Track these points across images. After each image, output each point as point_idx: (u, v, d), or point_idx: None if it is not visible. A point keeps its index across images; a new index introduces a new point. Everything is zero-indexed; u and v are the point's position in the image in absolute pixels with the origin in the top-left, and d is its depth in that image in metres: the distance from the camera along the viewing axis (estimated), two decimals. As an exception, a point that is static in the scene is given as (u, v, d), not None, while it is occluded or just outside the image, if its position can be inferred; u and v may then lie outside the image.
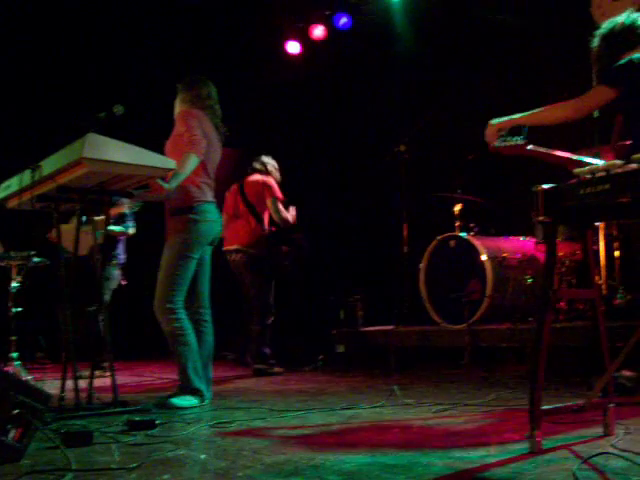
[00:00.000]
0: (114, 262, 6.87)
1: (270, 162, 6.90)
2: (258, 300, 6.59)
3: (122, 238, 6.94)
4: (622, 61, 3.37)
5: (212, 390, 4.61)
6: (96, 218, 4.52)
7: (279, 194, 6.64)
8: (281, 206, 6.63)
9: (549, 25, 6.95)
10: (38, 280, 6.45)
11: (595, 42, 3.51)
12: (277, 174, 6.90)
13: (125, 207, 6.70)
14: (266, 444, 3.11)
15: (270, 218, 6.74)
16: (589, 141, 5.31)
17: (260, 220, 6.65)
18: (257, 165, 6.82)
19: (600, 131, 5.45)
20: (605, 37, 3.46)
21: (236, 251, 6.54)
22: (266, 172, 6.80)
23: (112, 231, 6.69)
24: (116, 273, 6.90)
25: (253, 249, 6.57)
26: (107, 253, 6.67)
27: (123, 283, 7.02)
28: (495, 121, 3.42)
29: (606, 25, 3.48)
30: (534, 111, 3.33)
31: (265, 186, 6.64)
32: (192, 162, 4.34)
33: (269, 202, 6.61)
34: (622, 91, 3.28)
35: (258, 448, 3.00)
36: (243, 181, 6.80)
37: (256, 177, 6.75)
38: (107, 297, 6.72)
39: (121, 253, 6.97)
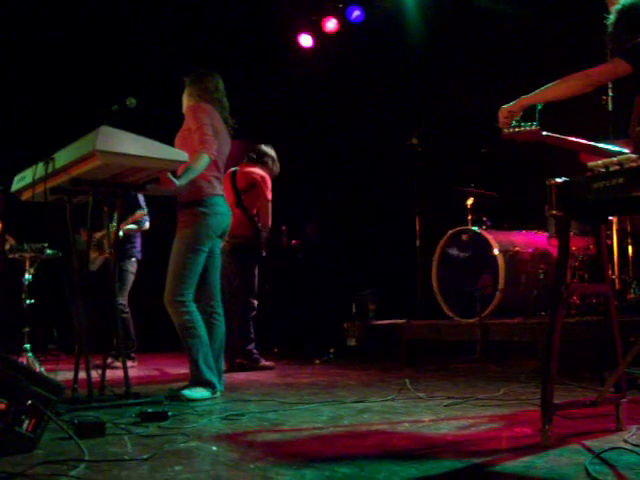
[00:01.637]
0: (133, 258, 6.91)
1: (269, 152, 6.67)
2: (241, 289, 6.43)
3: (138, 233, 6.98)
4: None
5: (224, 382, 4.63)
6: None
7: (269, 195, 6.46)
8: (270, 211, 6.46)
9: (562, 17, 6.91)
10: (51, 272, 6.48)
11: (611, 19, 3.37)
12: (275, 166, 6.68)
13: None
14: (278, 436, 3.12)
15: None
16: (603, 135, 5.28)
17: (246, 210, 6.45)
18: (254, 155, 6.62)
19: (614, 124, 5.43)
20: (624, 13, 3.31)
21: None
22: (263, 164, 6.61)
23: (129, 229, 6.75)
24: (135, 268, 6.95)
25: (238, 238, 6.38)
26: (123, 249, 6.71)
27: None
28: (506, 105, 3.35)
29: (624, 1, 3.33)
30: (543, 87, 3.25)
31: (261, 182, 6.45)
32: (204, 162, 4.35)
33: (263, 202, 6.44)
34: None
35: (270, 440, 3.02)
36: (237, 170, 6.60)
37: (252, 169, 6.54)
38: (126, 290, 6.82)
39: (139, 248, 7.00)
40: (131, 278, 6.92)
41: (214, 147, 4.41)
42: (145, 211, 6.83)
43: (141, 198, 6.89)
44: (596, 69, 3.19)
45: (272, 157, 6.70)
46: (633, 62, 3.12)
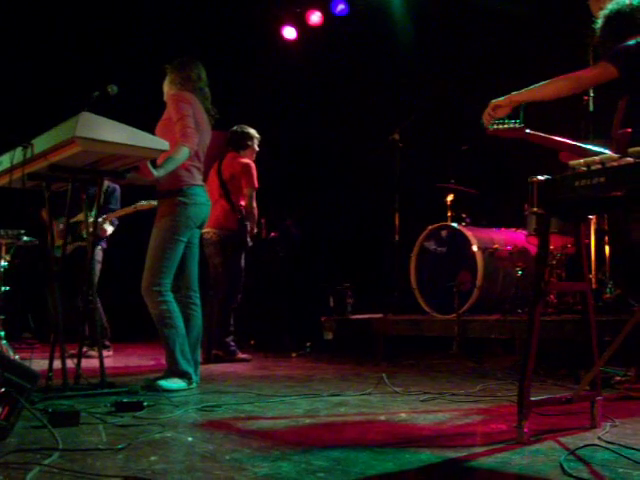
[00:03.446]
0: (98, 247, 6.81)
1: (247, 132, 6.58)
2: (225, 281, 6.39)
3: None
4: (630, 42, 3.27)
5: (200, 374, 4.61)
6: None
7: (256, 182, 6.41)
8: (254, 199, 6.41)
9: (549, 14, 6.93)
10: (27, 259, 6.41)
11: (599, 24, 3.41)
12: (256, 140, 6.62)
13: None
14: (253, 428, 3.11)
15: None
16: (584, 135, 5.31)
17: (231, 202, 6.40)
18: (236, 142, 6.56)
19: (595, 125, 5.46)
20: (611, 18, 3.35)
21: (206, 232, 6.26)
22: (246, 148, 6.54)
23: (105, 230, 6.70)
24: (101, 256, 6.88)
25: (225, 230, 6.35)
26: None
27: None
28: (495, 100, 3.37)
29: (611, 6, 3.37)
30: (532, 87, 3.27)
31: (245, 170, 6.40)
32: (184, 155, 4.33)
33: (247, 190, 6.37)
34: (627, 73, 3.19)
35: (245, 432, 3.00)
36: (222, 160, 6.54)
37: (236, 158, 6.49)
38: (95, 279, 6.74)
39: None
40: (98, 267, 6.83)
41: (195, 140, 4.39)
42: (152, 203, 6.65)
43: (117, 194, 6.83)
44: (584, 72, 3.23)
45: (250, 135, 6.62)
46: (619, 66, 3.15)
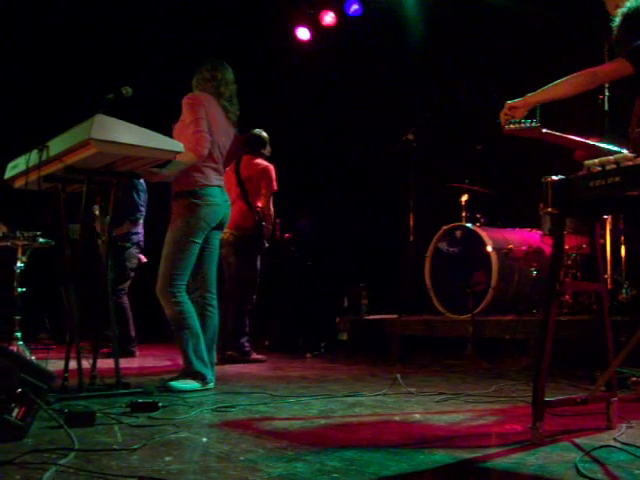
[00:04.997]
0: (128, 244, 6.79)
1: (266, 137, 6.64)
2: (241, 282, 6.41)
3: (141, 221, 6.88)
4: None
5: (215, 374, 4.61)
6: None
7: (275, 185, 6.44)
8: (272, 201, 6.45)
9: (564, 12, 6.90)
10: (43, 261, 6.46)
11: (617, 21, 3.39)
12: (268, 149, 6.66)
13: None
14: (268, 429, 3.11)
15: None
16: (600, 134, 5.28)
17: (249, 203, 6.41)
18: (255, 145, 6.58)
19: (610, 124, 5.43)
20: (629, 15, 3.32)
21: (223, 233, 6.25)
22: (262, 151, 6.57)
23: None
24: (134, 252, 6.86)
25: (242, 230, 6.37)
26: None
27: (144, 261, 7.02)
28: (511, 101, 3.36)
29: (630, 4, 3.34)
30: (549, 85, 3.25)
31: (265, 173, 6.43)
32: (189, 161, 4.32)
33: (265, 191, 6.41)
34: None
35: (260, 433, 3.01)
36: (239, 161, 6.55)
37: (255, 160, 6.52)
38: (128, 277, 6.78)
39: (139, 232, 6.88)
40: (134, 263, 6.85)
41: (205, 144, 4.35)
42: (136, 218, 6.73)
43: (142, 197, 6.83)
44: (601, 68, 3.21)
45: (267, 140, 6.66)
46: (635, 63, 3.13)
